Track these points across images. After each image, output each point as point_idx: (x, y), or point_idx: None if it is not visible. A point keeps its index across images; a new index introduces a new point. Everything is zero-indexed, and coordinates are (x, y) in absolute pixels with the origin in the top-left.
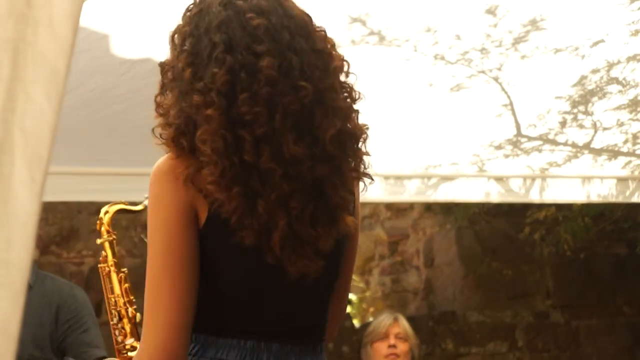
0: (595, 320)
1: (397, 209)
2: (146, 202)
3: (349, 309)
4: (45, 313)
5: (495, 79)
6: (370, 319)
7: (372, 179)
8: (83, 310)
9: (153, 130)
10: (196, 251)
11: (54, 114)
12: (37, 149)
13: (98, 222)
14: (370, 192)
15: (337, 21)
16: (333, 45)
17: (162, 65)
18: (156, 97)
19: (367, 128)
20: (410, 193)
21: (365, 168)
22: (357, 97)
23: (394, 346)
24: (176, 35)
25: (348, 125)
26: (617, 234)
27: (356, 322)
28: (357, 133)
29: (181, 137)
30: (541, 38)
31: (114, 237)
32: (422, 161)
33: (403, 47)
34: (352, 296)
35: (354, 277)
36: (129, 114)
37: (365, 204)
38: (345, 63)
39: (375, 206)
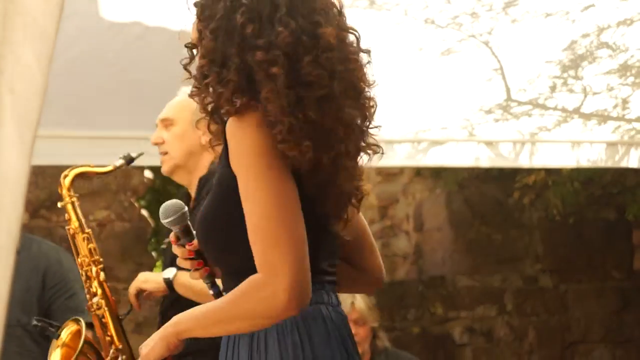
0: (584, 285)
1: (387, 174)
2: (117, 163)
3: None
4: (33, 278)
5: (486, 43)
6: None
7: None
8: (69, 275)
9: (193, 73)
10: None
11: (43, 76)
12: (26, 110)
13: (59, 186)
14: None
15: None
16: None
17: (201, 6)
18: (198, 41)
19: None
20: (400, 157)
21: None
22: None
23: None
24: None
25: None
26: (606, 198)
27: None
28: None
29: (237, 93)
30: (531, 2)
31: (75, 199)
32: (411, 125)
33: (393, 11)
34: None
35: None
36: (119, 77)
37: None
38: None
39: (365, 171)
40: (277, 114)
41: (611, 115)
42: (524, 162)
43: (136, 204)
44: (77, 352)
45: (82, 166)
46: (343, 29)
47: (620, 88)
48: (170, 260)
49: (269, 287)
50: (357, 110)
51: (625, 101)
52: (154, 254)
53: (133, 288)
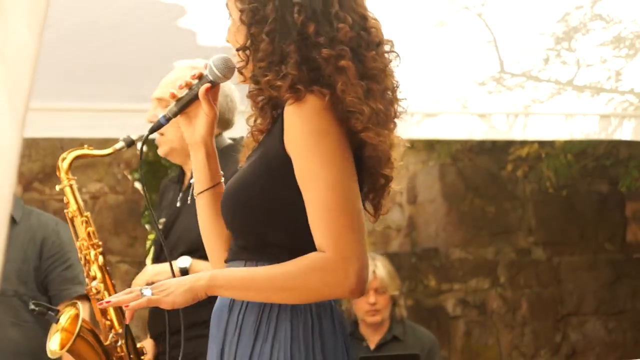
0: (577, 257)
1: None
2: (117, 146)
3: None
4: (30, 248)
5: (479, 15)
6: None
7: None
8: (67, 246)
9: (252, 77)
10: None
11: (35, 44)
12: (18, 80)
13: (57, 168)
14: None
15: None
16: None
17: (251, 11)
18: (250, 47)
19: None
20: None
21: None
22: None
23: (374, 303)
24: None
25: None
26: (599, 171)
27: None
28: None
29: (299, 84)
30: None
31: (73, 182)
32: (405, 98)
33: None
34: None
35: None
36: (111, 50)
37: None
38: None
39: None
40: (356, 104)
41: (604, 87)
42: (517, 134)
43: (129, 177)
44: (75, 335)
45: (80, 149)
46: (372, 16)
47: (614, 60)
48: (159, 250)
49: (341, 269)
50: (397, 103)
51: (618, 73)
52: (147, 226)
53: (142, 281)
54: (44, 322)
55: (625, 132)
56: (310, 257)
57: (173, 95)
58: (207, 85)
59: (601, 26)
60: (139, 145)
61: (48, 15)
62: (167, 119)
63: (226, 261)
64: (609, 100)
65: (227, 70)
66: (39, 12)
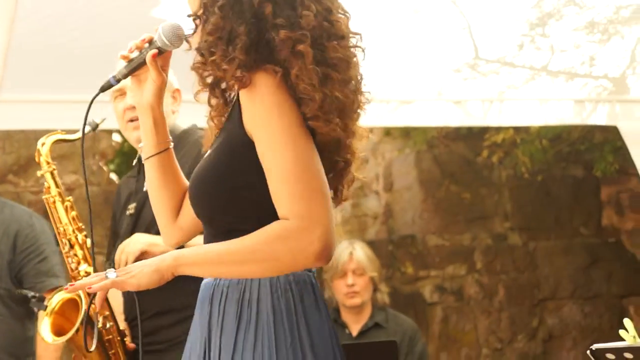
0: (553, 242)
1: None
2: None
3: None
4: (3, 242)
5: (454, 2)
6: None
7: None
8: (41, 239)
9: (199, 48)
10: None
11: (5, 35)
12: None
13: (36, 154)
14: None
15: None
16: None
17: None
18: (202, 15)
19: None
20: (369, 117)
21: None
22: None
23: (352, 285)
24: None
25: None
26: (574, 155)
27: None
28: None
29: (244, 69)
30: None
31: (54, 167)
32: (380, 85)
33: None
34: None
35: None
36: (84, 40)
37: None
38: None
39: None
40: (309, 90)
41: (578, 72)
42: (492, 120)
43: (105, 168)
44: (78, 323)
45: (55, 133)
46: (340, 11)
47: (587, 45)
48: (132, 228)
49: (306, 235)
50: (361, 95)
51: (592, 58)
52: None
53: (137, 250)
54: (20, 314)
55: (599, 117)
56: (273, 225)
57: (124, 57)
58: (154, 51)
59: (575, 12)
60: (114, 136)
61: (20, 7)
62: (117, 80)
63: None
64: (583, 85)
65: (175, 39)
66: (9, 5)
